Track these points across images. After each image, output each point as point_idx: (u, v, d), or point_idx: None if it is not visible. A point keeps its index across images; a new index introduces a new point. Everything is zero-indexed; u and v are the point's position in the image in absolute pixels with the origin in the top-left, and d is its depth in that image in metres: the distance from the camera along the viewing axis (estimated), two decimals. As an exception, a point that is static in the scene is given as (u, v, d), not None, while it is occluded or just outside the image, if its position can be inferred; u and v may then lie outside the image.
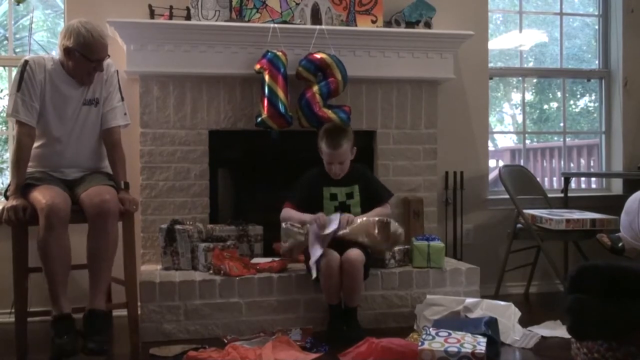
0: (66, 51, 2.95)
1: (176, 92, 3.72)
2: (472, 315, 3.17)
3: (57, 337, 2.70)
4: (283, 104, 3.55)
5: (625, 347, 2.09)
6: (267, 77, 3.55)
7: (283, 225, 3.32)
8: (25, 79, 2.96)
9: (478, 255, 4.17)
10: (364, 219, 3.30)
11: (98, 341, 2.74)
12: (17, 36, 3.90)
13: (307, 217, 3.33)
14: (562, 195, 4.44)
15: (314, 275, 3.18)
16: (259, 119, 3.59)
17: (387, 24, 3.99)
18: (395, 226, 3.33)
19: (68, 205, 2.82)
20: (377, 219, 3.28)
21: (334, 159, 3.37)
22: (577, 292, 2.16)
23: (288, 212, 3.40)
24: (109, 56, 3.07)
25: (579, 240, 4.08)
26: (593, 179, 4.94)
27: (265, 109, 3.56)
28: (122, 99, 3.18)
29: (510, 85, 5.00)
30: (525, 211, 4.01)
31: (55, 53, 3.21)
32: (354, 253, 3.18)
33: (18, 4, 3.69)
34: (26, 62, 2.99)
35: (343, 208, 3.44)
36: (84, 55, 2.94)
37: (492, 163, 4.73)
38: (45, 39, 4.22)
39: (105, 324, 2.85)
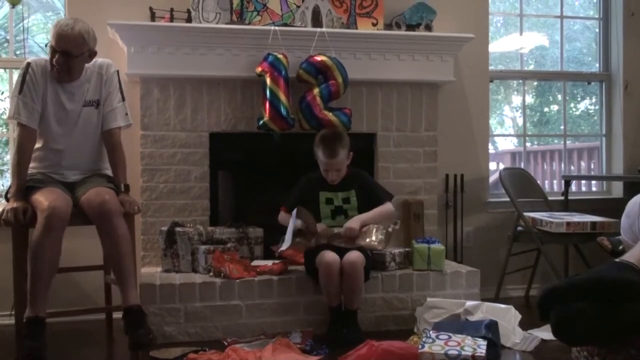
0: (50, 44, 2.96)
1: (177, 94, 3.72)
2: (472, 318, 3.17)
3: (29, 339, 2.69)
4: (285, 106, 3.56)
5: (626, 349, 2.09)
6: (268, 80, 3.56)
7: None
8: (27, 81, 2.95)
9: (478, 257, 4.17)
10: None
11: (142, 335, 2.78)
12: (18, 38, 3.90)
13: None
14: (562, 198, 4.44)
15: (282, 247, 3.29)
16: (261, 122, 3.60)
17: (388, 26, 3.99)
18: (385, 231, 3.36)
19: (69, 208, 2.82)
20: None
21: (331, 167, 3.38)
22: (547, 319, 2.18)
23: (282, 216, 3.43)
24: (90, 55, 3.03)
25: (579, 243, 4.08)
26: (593, 182, 4.94)
27: (267, 111, 3.56)
28: (123, 99, 3.16)
29: (510, 88, 5.00)
30: (526, 214, 4.01)
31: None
32: (354, 255, 3.19)
33: (13, 7, 3.69)
34: (28, 64, 2.99)
35: (340, 212, 3.44)
36: (52, 45, 2.92)
37: (492, 166, 4.73)
38: (46, 41, 4.22)
39: (143, 317, 2.85)
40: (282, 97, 3.55)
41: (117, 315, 3.20)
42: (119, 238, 2.86)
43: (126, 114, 3.18)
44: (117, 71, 3.18)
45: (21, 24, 3.82)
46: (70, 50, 2.93)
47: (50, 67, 2.98)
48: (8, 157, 3.92)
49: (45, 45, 2.99)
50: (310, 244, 3.30)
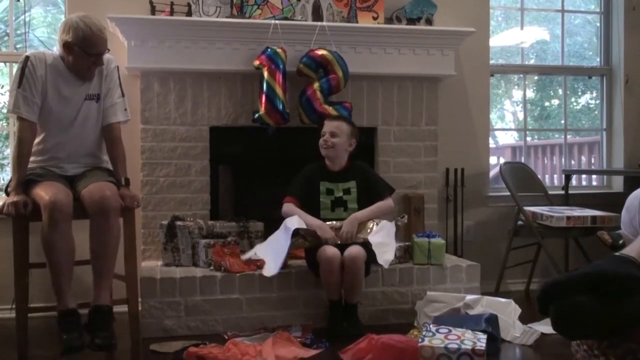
0: (66, 46, 2.95)
1: (177, 88, 3.72)
2: (472, 312, 3.17)
3: (64, 333, 2.69)
4: (280, 100, 3.55)
5: (625, 344, 2.09)
6: (265, 74, 3.55)
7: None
8: (27, 74, 2.95)
9: (478, 252, 4.17)
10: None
11: (105, 337, 2.75)
12: (18, 32, 3.89)
13: (310, 220, 3.34)
14: (562, 192, 4.44)
15: (269, 273, 3.25)
16: (256, 115, 3.59)
17: (388, 20, 3.99)
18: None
19: (71, 201, 2.82)
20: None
21: (327, 128, 3.44)
22: (547, 313, 2.18)
23: (291, 208, 3.40)
24: (108, 50, 3.06)
25: (580, 237, 4.09)
26: (594, 176, 4.95)
27: (263, 105, 3.56)
28: (123, 94, 3.17)
29: (511, 82, 4.99)
30: (526, 208, 4.01)
31: (56, 49, 3.20)
32: (355, 250, 3.19)
33: (18, 0, 3.68)
34: (27, 57, 2.99)
35: (339, 204, 3.45)
36: (83, 49, 2.93)
37: (493, 160, 4.73)
38: (46, 34, 4.22)
39: (110, 319, 2.85)
40: (279, 90, 3.55)
41: (118, 309, 3.21)
42: (110, 237, 2.86)
43: (125, 109, 3.19)
44: (117, 67, 3.19)
45: (22, 17, 3.81)
46: (102, 51, 3.01)
47: (83, 74, 3.02)
48: (8, 151, 3.92)
49: (67, 46, 2.95)
50: (310, 244, 3.29)
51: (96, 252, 2.87)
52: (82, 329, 2.75)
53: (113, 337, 2.78)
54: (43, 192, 2.78)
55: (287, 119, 3.61)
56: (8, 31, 3.95)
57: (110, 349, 2.77)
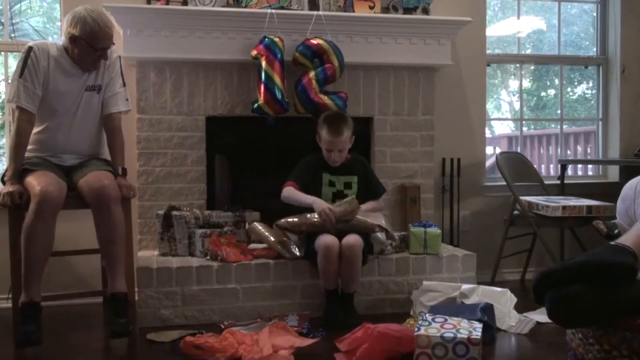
0: (72, 39, 2.95)
1: (173, 77, 3.71)
2: (468, 301, 3.18)
3: (24, 324, 2.71)
4: (279, 90, 3.54)
5: (620, 332, 2.10)
6: (263, 63, 3.54)
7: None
8: (29, 65, 2.95)
9: (474, 241, 4.18)
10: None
11: (122, 323, 2.80)
12: (13, 21, 3.87)
13: (310, 199, 3.32)
14: (558, 182, 4.45)
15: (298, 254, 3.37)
16: (256, 105, 3.58)
17: (385, 9, 3.97)
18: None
19: (62, 193, 2.82)
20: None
21: (335, 147, 3.38)
22: (543, 302, 2.19)
23: (290, 192, 3.39)
24: (113, 44, 3.06)
25: (575, 227, 4.10)
26: (590, 166, 4.95)
27: (262, 94, 3.55)
28: (124, 84, 3.18)
29: (507, 72, 4.99)
30: (522, 198, 4.02)
31: (52, 38, 3.20)
32: (353, 238, 3.19)
33: None
34: (30, 48, 2.99)
35: (340, 196, 3.45)
36: (89, 44, 2.94)
37: (489, 150, 4.74)
38: (42, 24, 4.20)
39: (127, 306, 2.88)
40: (277, 80, 3.54)
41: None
42: (114, 224, 2.87)
43: (127, 99, 3.21)
44: (119, 57, 3.19)
45: (16, 7, 3.78)
46: (108, 46, 3.03)
47: (88, 67, 3.03)
48: (4, 141, 3.91)
49: (73, 39, 2.96)
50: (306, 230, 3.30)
51: (105, 242, 2.89)
52: (41, 323, 2.75)
53: (129, 323, 2.84)
54: (35, 182, 2.79)
55: (286, 108, 3.60)
56: (3, 20, 3.92)
57: (126, 335, 2.82)
